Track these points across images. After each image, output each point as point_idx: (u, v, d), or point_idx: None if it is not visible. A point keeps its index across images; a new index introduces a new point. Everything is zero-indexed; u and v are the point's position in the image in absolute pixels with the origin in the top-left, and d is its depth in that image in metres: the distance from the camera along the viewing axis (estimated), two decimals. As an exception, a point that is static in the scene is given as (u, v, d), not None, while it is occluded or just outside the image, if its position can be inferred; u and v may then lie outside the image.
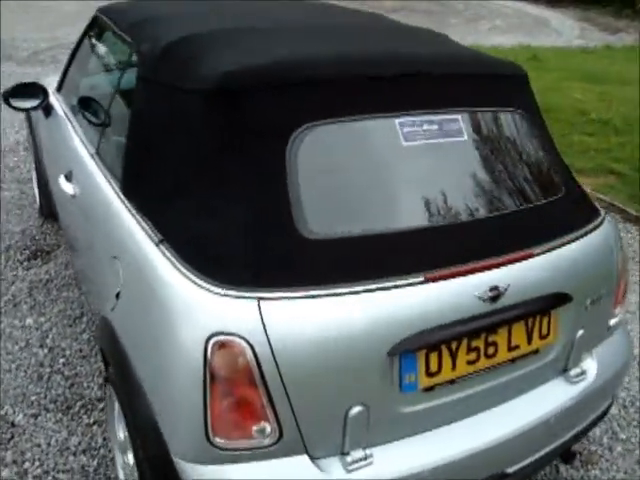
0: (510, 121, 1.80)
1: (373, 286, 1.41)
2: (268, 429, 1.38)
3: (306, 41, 1.82)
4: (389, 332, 1.42)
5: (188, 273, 1.40)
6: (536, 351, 1.69)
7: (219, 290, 1.35)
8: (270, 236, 1.40)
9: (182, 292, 1.39)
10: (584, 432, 1.95)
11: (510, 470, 1.69)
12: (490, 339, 1.59)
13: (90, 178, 2.04)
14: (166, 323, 1.42)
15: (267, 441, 1.39)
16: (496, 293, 1.52)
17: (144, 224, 1.61)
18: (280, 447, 1.41)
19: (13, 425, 2.21)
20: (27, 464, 2.06)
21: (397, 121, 1.58)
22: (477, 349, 1.57)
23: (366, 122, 1.56)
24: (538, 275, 1.64)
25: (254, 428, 1.38)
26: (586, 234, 1.78)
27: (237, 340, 1.32)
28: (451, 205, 1.59)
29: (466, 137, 1.67)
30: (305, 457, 1.44)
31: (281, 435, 1.39)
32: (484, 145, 1.74)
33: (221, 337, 1.33)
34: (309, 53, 1.67)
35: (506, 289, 1.54)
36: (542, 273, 1.65)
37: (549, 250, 1.66)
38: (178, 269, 1.43)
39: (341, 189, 1.51)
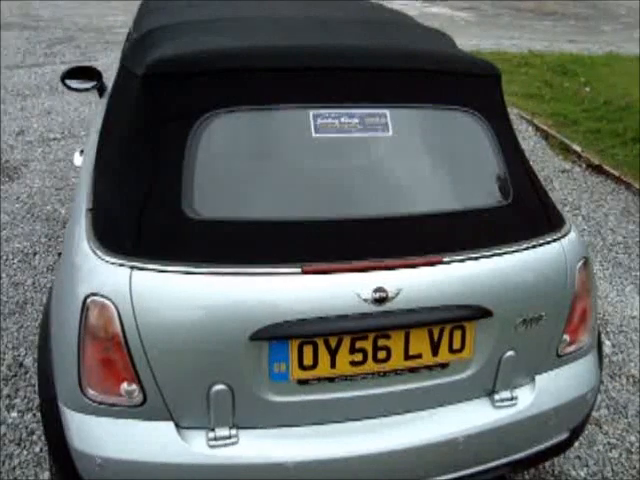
0: (455, 121, 1.69)
1: (243, 270, 1.43)
2: (134, 390, 1.46)
3: (263, 33, 1.85)
4: (253, 317, 1.43)
5: (90, 240, 1.53)
6: (444, 365, 1.59)
7: (104, 257, 1.46)
8: (155, 212, 1.48)
9: (83, 256, 1.52)
10: (523, 463, 1.79)
11: None
12: (380, 343, 1.53)
13: (90, 152, 2.25)
14: (68, 282, 1.57)
15: (133, 401, 1.47)
16: (382, 295, 1.46)
17: (91, 194, 1.77)
18: (146, 410, 1.48)
19: (21, 366, 2.53)
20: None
21: (311, 113, 1.56)
22: (363, 351, 1.52)
23: (277, 112, 1.57)
24: (447, 284, 1.54)
25: (122, 387, 1.47)
26: (527, 248, 1.63)
27: (106, 302, 1.42)
28: (351, 201, 1.55)
29: (391, 133, 1.61)
30: (171, 424, 1.50)
31: (145, 398, 1.47)
32: (412, 143, 1.66)
33: (95, 297, 1.44)
34: (244, 44, 1.70)
35: (397, 293, 1.48)
36: (452, 282, 1.54)
37: (467, 259, 1.55)
38: (87, 236, 1.56)
39: (236, 175, 1.54)
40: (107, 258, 1.45)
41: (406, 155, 1.65)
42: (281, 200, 1.54)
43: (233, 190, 1.53)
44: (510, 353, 1.63)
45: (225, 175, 1.54)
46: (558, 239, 1.69)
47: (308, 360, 1.49)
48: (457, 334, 1.58)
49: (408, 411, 1.61)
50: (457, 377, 1.61)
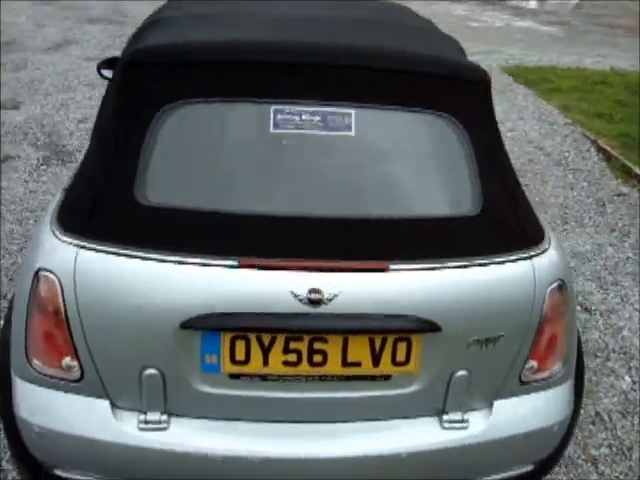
0: (427, 125, 1.63)
1: (181, 258, 1.44)
2: (73, 365, 1.50)
3: (251, 30, 1.84)
4: (184, 305, 1.43)
5: (52, 218, 1.59)
6: (387, 377, 1.53)
7: (58, 235, 1.51)
8: (109, 195, 1.51)
9: (43, 233, 1.59)
10: None
11: None
12: (316, 346, 1.49)
13: None
14: (28, 256, 1.64)
15: (72, 376, 1.51)
16: (317, 297, 1.43)
17: (72, 175, 1.84)
18: (83, 386, 1.52)
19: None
20: None
21: (273, 108, 1.55)
22: (298, 352, 1.49)
23: (239, 105, 1.57)
24: (393, 293, 1.48)
25: (63, 361, 1.51)
26: (489, 264, 1.54)
27: (52, 277, 1.47)
28: (300, 198, 1.53)
29: (354, 133, 1.57)
30: (106, 403, 1.53)
31: (83, 374, 1.51)
32: (376, 144, 1.61)
33: (43, 272, 1.49)
34: (219, 38, 1.71)
35: (334, 296, 1.44)
36: (399, 292, 1.48)
37: (418, 269, 1.49)
38: (51, 213, 1.63)
39: (189, 165, 1.55)
40: (60, 236, 1.51)
41: (367, 156, 1.60)
42: (229, 193, 1.54)
43: (185, 179, 1.55)
44: (462, 373, 1.55)
45: (179, 164, 1.55)
46: (529, 257, 1.59)
47: (240, 355, 1.48)
48: (402, 346, 1.52)
49: (346, 420, 1.56)
50: (401, 391, 1.55)
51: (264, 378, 1.50)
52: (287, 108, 1.55)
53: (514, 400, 1.65)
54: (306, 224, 1.49)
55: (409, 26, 2.14)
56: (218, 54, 1.59)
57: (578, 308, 3.20)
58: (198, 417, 1.54)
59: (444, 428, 1.58)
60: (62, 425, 1.53)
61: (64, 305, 1.46)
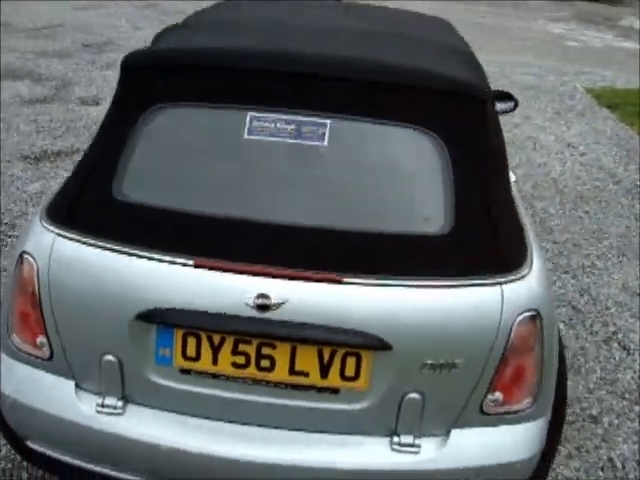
0: (405, 139, 1.59)
1: (141, 252, 1.50)
2: (45, 344, 1.60)
3: (256, 36, 1.88)
4: (140, 297, 1.49)
5: (43, 207, 1.70)
6: (335, 390, 1.52)
7: (43, 222, 1.62)
8: (89, 189, 1.61)
9: (33, 220, 1.70)
10: None
11: None
12: (265, 351, 1.50)
13: None
14: (19, 241, 1.77)
15: (44, 355, 1.61)
16: (264, 302, 1.44)
17: None
18: (53, 365, 1.61)
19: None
20: None
21: (250, 114, 1.58)
22: (246, 355, 1.50)
23: (217, 111, 1.61)
24: (345, 306, 1.47)
25: (37, 339, 1.61)
26: (450, 286, 1.49)
27: (30, 259, 1.58)
28: (262, 204, 1.54)
29: (327, 144, 1.57)
30: (72, 383, 1.61)
31: (52, 354, 1.60)
32: (348, 156, 1.60)
33: (25, 255, 1.60)
34: (215, 45, 1.76)
35: (282, 303, 1.45)
36: (351, 306, 1.47)
37: (372, 285, 1.47)
38: (44, 203, 1.76)
39: (164, 165, 1.62)
40: (44, 223, 1.62)
41: (337, 168, 1.59)
42: (196, 194, 1.58)
43: (157, 179, 1.62)
44: (414, 395, 1.51)
45: (155, 164, 1.62)
46: (498, 284, 1.52)
47: (191, 352, 1.52)
48: (351, 361, 1.50)
49: (291, 429, 1.56)
50: (350, 407, 1.53)
51: (213, 376, 1.53)
52: (263, 115, 1.58)
53: (474, 431, 1.58)
54: (265, 230, 1.51)
55: (432, 42, 2.09)
56: (202, 60, 1.65)
57: (615, 345, 3.01)
58: (152, 407, 1.59)
59: (393, 450, 1.54)
60: (31, 400, 1.63)
61: (38, 287, 1.56)
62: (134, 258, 1.51)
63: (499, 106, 3.08)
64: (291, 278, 1.46)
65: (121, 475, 1.61)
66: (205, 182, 1.59)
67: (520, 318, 1.52)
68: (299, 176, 1.59)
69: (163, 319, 1.49)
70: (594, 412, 2.58)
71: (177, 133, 1.63)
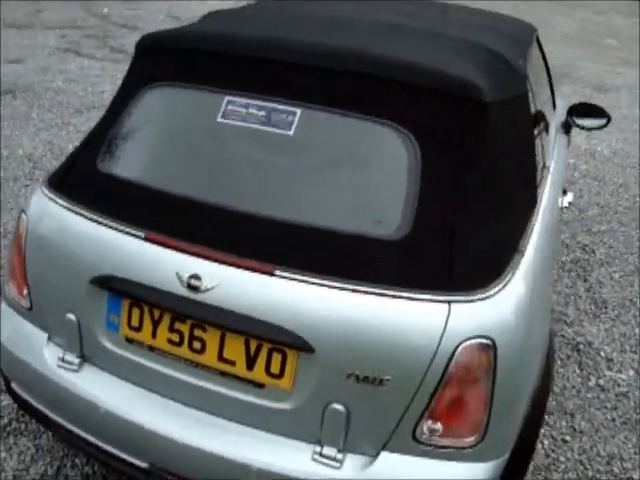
0: (375, 135, 1.50)
1: (101, 219, 1.59)
2: (27, 295, 1.74)
3: (269, 26, 1.88)
4: (95, 264, 1.57)
5: (47, 176, 1.86)
6: (260, 385, 1.47)
7: (42, 189, 1.77)
8: (80, 160, 1.74)
9: (38, 187, 1.87)
10: None
11: None
12: (197, 332, 1.50)
13: None
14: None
15: (26, 305, 1.76)
16: (195, 283, 1.44)
17: None
18: (33, 315, 1.75)
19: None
20: None
21: (227, 98, 1.60)
22: (181, 334, 1.52)
23: (199, 93, 1.65)
24: (273, 299, 1.42)
25: (22, 290, 1.76)
26: (387, 296, 1.37)
27: (24, 217, 1.74)
28: (217, 187, 1.55)
29: (292, 133, 1.52)
30: (45, 335, 1.74)
31: (31, 305, 1.75)
32: (311, 147, 1.53)
33: (22, 213, 1.77)
34: (218, 30, 1.79)
35: (213, 287, 1.44)
36: (279, 300, 1.41)
37: (303, 282, 1.40)
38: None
39: (142, 140, 1.69)
40: (43, 188, 1.77)
41: (297, 158, 1.54)
42: (161, 171, 1.64)
43: (133, 153, 1.70)
44: (338, 407, 1.41)
45: (134, 139, 1.71)
46: (446, 302, 1.37)
47: (135, 322, 1.57)
48: (277, 357, 1.44)
49: (215, 414, 1.54)
50: (274, 405, 1.47)
51: (151, 349, 1.57)
52: (238, 100, 1.59)
53: (406, 458, 1.44)
54: (212, 212, 1.52)
55: (472, 46, 1.92)
56: (191, 43, 1.70)
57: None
58: (103, 369, 1.67)
59: (313, 460, 1.46)
60: (13, 345, 1.78)
61: (25, 242, 1.72)
62: (98, 225, 1.60)
63: (587, 122, 2.78)
64: (223, 263, 1.44)
65: (73, 429, 1.71)
66: (171, 160, 1.64)
67: (466, 344, 1.36)
68: (258, 163, 1.57)
69: (112, 287, 1.56)
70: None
71: (160, 112, 1.71)
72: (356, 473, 1.44)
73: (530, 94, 2.10)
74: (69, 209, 1.65)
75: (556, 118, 2.94)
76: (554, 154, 2.45)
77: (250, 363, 1.47)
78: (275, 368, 1.45)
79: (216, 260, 1.46)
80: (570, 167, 4.75)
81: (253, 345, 1.46)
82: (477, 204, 1.49)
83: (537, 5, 11.19)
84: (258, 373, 1.47)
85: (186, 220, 1.54)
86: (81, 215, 1.63)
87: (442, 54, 1.72)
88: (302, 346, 1.40)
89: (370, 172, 1.51)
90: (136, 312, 1.56)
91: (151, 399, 1.60)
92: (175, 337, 1.53)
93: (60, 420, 1.71)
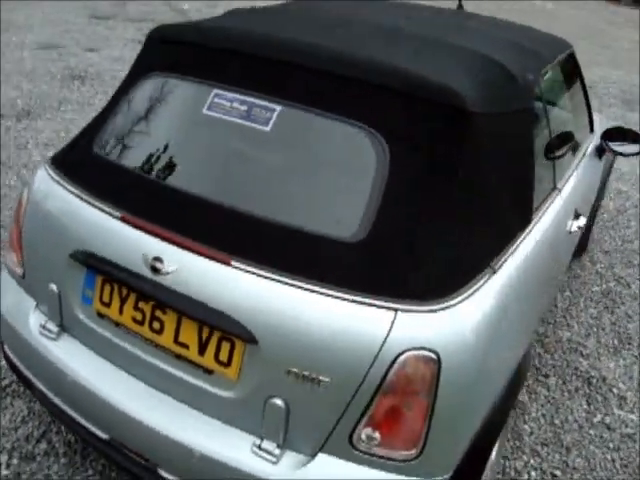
0: (347, 136, 1.50)
1: (87, 198, 1.66)
2: (21, 264, 1.84)
3: (279, 25, 1.90)
4: (76, 238, 1.64)
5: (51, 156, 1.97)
6: (210, 371, 1.49)
7: (46, 167, 1.86)
8: (80, 141, 1.84)
9: (42, 165, 1.98)
10: None
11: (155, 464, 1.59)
12: (157, 313, 1.55)
13: None
14: None
15: (20, 272, 1.86)
16: (157, 265, 1.49)
17: None
18: (25, 283, 1.85)
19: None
20: None
21: (214, 91, 1.64)
22: (143, 313, 1.57)
23: (193, 84, 1.69)
24: (227, 289, 1.44)
25: (18, 258, 1.86)
26: (333, 297, 1.36)
27: (27, 190, 1.85)
28: (190, 175, 1.60)
29: (269, 129, 1.54)
30: (33, 303, 1.83)
31: (24, 273, 1.85)
32: (285, 144, 1.55)
33: (26, 189, 1.87)
34: (223, 25, 1.83)
35: (172, 271, 1.48)
36: (232, 290, 1.44)
37: (255, 275, 1.42)
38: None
39: (133, 127, 1.75)
40: (47, 166, 1.87)
41: (269, 154, 1.56)
42: (144, 156, 1.69)
43: (123, 138, 1.77)
44: (278, 402, 1.42)
45: (127, 125, 1.78)
46: (393, 310, 1.35)
47: (105, 298, 1.63)
48: (225, 346, 1.47)
49: (170, 395, 1.58)
50: (221, 393, 1.49)
51: (117, 325, 1.63)
52: (224, 94, 1.63)
53: (342, 463, 1.42)
54: (184, 199, 1.56)
55: (475, 57, 1.88)
56: (191, 37, 1.75)
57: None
58: (78, 340, 1.74)
59: (252, 452, 1.47)
60: (7, 310, 1.89)
61: (23, 214, 1.82)
62: (83, 203, 1.67)
63: (621, 147, 2.65)
64: (185, 248, 1.48)
65: (48, 393, 1.79)
66: (154, 147, 1.69)
67: (408, 354, 1.33)
68: (232, 156, 1.60)
69: (87, 262, 1.63)
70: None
71: (152, 101, 1.77)
72: (290, 471, 1.44)
73: (540, 111, 2.04)
74: (63, 186, 1.74)
75: (591, 141, 2.83)
76: (573, 177, 2.36)
77: (202, 349, 1.50)
78: (223, 356, 1.48)
79: (179, 245, 1.50)
80: (621, 195, 4.54)
81: (205, 331, 1.49)
82: (445, 215, 1.46)
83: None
84: (208, 359, 1.50)
85: (159, 204, 1.59)
86: (72, 193, 1.71)
87: (433, 61, 1.70)
88: (247, 337, 1.42)
89: (338, 173, 1.51)
90: (107, 288, 1.63)
91: (115, 374, 1.66)
92: (138, 316, 1.58)
93: (38, 384, 1.80)
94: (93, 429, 1.69)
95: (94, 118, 1.88)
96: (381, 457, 1.41)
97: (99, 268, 1.62)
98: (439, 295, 1.39)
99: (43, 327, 1.78)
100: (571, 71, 2.59)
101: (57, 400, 1.75)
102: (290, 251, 1.44)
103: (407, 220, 1.43)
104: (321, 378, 1.37)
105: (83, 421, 1.71)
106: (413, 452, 1.39)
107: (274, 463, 1.45)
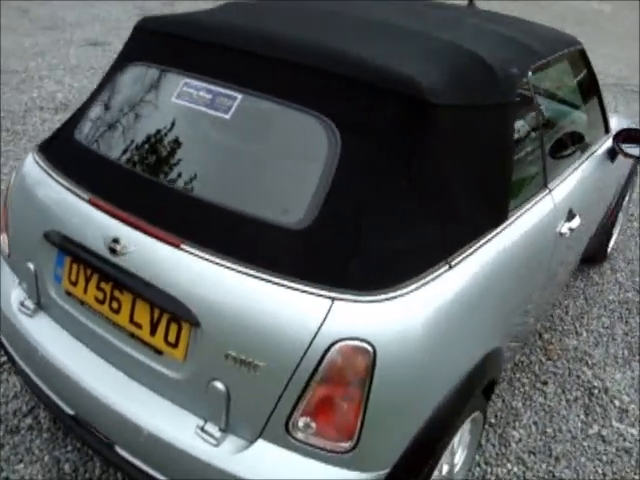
0: (302, 125, 1.49)
1: (61, 180, 1.72)
2: (6, 243, 1.93)
3: (265, 19, 1.92)
4: (49, 218, 1.71)
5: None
6: (159, 352, 1.52)
7: (32, 152, 1.94)
8: (64, 129, 1.90)
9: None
10: None
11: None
12: (115, 293, 1.59)
13: None
14: None
15: (6, 252, 1.94)
16: (114, 247, 1.53)
17: None
18: (10, 261, 1.93)
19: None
20: None
21: (184, 80, 1.67)
22: (104, 292, 1.61)
23: (167, 73, 1.72)
24: (175, 271, 1.46)
25: (4, 237, 1.94)
26: (275, 284, 1.36)
27: (14, 174, 1.94)
28: (150, 159, 1.63)
29: (229, 117, 1.56)
30: (17, 281, 1.91)
31: (10, 252, 1.92)
32: (243, 132, 1.56)
33: (14, 172, 1.96)
34: (196, 18, 1.84)
35: (127, 252, 1.51)
36: (179, 273, 1.46)
37: (202, 259, 1.44)
38: None
39: (107, 114, 1.80)
40: (34, 152, 1.94)
41: (227, 140, 1.58)
42: (116, 142, 1.74)
43: (98, 125, 1.81)
44: (219, 385, 1.43)
45: (104, 111, 1.83)
46: (330, 298, 1.34)
47: (73, 277, 1.68)
48: (173, 327, 1.50)
49: (127, 374, 1.61)
50: (169, 373, 1.52)
51: (82, 304, 1.68)
52: (192, 82, 1.66)
53: (280, 451, 1.42)
54: (145, 183, 1.61)
55: (456, 50, 1.83)
56: (168, 27, 1.79)
57: None
58: (51, 317, 1.80)
59: (195, 434, 1.48)
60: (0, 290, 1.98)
61: (10, 196, 1.90)
62: (59, 186, 1.73)
63: (634, 150, 2.53)
64: (140, 230, 1.51)
65: (26, 370, 1.86)
66: (124, 133, 1.73)
67: (342, 344, 1.32)
68: (192, 143, 1.63)
69: (56, 242, 1.69)
70: None
71: (129, 88, 1.81)
72: (229, 455, 1.45)
73: (529, 107, 1.98)
74: (44, 170, 1.81)
75: (605, 142, 2.72)
76: (572, 177, 2.27)
77: (153, 329, 1.53)
78: (172, 337, 1.50)
79: (135, 227, 1.53)
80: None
81: (156, 312, 1.52)
82: (394, 206, 1.44)
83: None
84: (158, 340, 1.53)
85: (122, 188, 1.63)
86: (50, 176, 1.77)
87: (402, 52, 1.67)
88: (190, 319, 1.44)
89: (291, 161, 1.52)
90: (75, 268, 1.68)
91: (81, 351, 1.71)
92: (100, 295, 1.63)
93: (17, 358, 1.88)
94: (61, 404, 1.75)
95: (81, 105, 1.95)
96: (317, 447, 1.40)
97: (66, 248, 1.67)
98: (382, 286, 1.37)
99: (22, 304, 1.85)
100: (578, 68, 2.49)
101: (33, 376, 1.82)
102: (237, 236, 1.45)
103: (352, 209, 1.41)
104: (257, 363, 1.37)
105: (53, 396, 1.77)
106: (348, 444, 1.38)
107: (215, 446, 1.46)
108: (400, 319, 1.37)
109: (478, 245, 1.63)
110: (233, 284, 1.40)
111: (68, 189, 1.70)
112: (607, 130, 2.79)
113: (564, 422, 2.46)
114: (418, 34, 1.86)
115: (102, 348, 1.66)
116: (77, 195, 1.67)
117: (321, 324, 1.33)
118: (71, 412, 1.72)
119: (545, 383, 2.63)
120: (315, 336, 1.33)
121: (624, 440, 2.40)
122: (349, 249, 1.39)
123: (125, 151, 1.69)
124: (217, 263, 1.43)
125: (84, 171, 1.73)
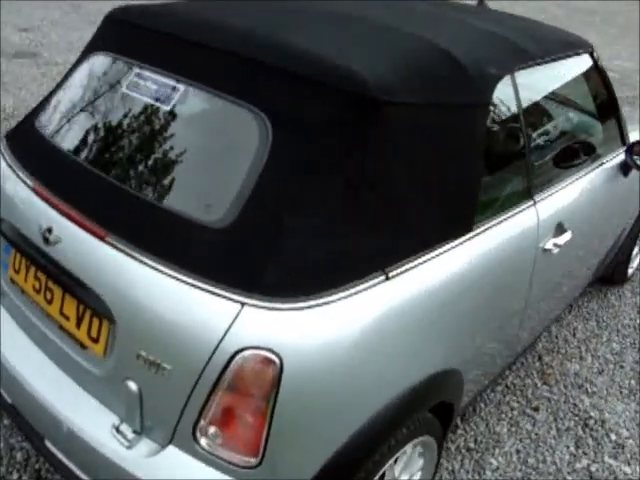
0: (237, 119, 1.42)
1: (17, 171, 1.71)
2: None
3: (214, 9, 1.85)
4: (1, 207, 1.69)
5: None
6: (84, 346, 1.48)
7: (2, 142, 1.96)
8: (28, 118, 1.89)
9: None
10: None
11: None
12: (49, 284, 1.56)
13: None
14: None
15: None
16: (46, 235, 1.50)
17: None
18: None
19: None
20: None
21: (136, 70, 1.63)
22: (40, 281, 1.58)
23: (121, 63, 1.69)
24: (96, 264, 1.42)
25: None
26: (187, 284, 1.29)
27: None
28: (89, 149, 1.61)
29: (169, 108, 1.51)
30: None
31: None
32: (178, 123, 1.51)
33: None
34: (156, 8, 1.80)
35: (57, 241, 1.48)
36: (99, 265, 1.42)
37: (123, 253, 1.39)
38: None
39: (63, 103, 1.78)
40: (2, 142, 1.95)
41: (162, 132, 1.52)
42: (65, 131, 1.71)
43: (53, 113, 1.80)
44: (132, 385, 1.38)
45: (60, 101, 1.81)
46: (239, 303, 1.26)
47: (17, 265, 1.67)
48: (95, 321, 1.46)
49: (57, 365, 1.58)
50: (91, 368, 1.48)
51: (23, 292, 1.66)
52: (143, 73, 1.62)
53: (188, 459, 1.35)
54: (82, 173, 1.58)
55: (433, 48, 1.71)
56: (130, 17, 1.76)
57: None
58: (3, 306, 1.79)
59: (111, 434, 1.43)
60: None
61: None
62: (13, 174, 1.73)
63: None
64: (70, 219, 1.48)
65: None
66: (74, 122, 1.71)
67: (247, 353, 1.24)
68: (131, 134, 1.58)
69: (2, 229, 1.68)
70: None
71: (86, 78, 1.79)
72: (141, 459, 1.39)
73: (511, 111, 1.84)
74: (4, 159, 1.81)
75: (619, 154, 2.52)
76: (567, 190, 2.10)
77: (78, 322, 1.49)
78: (94, 332, 1.46)
79: (67, 216, 1.50)
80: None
81: (82, 305, 1.48)
82: (322, 209, 1.34)
83: None
84: (82, 334, 1.49)
85: (62, 177, 1.61)
86: (9, 165, 1.77)
87: (356, 46, 1.58)
88: (107, 315, 1.39)
89: (222, 156, 1.44)
90: (18, 256, 1.67)
91: (22, 340, 1.69)
92: (37, 284, 1.60)
93: None
94: (4, 394, 1.74)
95: (46, 95, 1.94)
96: (224, 460, 1.32)
97: (8, 237, 1.66)
98: (299, 293, 1.28)
99: None
100: (585, 73, 2.31)
101: None
102: (158, 232, 1.39)
103: (276, 209, 1.33)
104: (164, 365, 1.31)
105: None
106: (253, 460, 1.29)
107: (128, 448, 1.41)
108: (317, 330, 1.28)
109: (427, 257, 1.51)
110: (148, 281, 1.35)
111: (19, 178, 1.69)
112: (624, 142, 2.58)
113: (550, 453, 2.28)
114: (389, 30, 1.76)
115: (39, 338, 1.64)
116: (25, 184, 1.66)
117: (227, 329, 1.25)
118: (10, 401, 1.71)
119: (536, 409, 2.46)
120: (220, 342, 1.25)
121: (615, 479, 2.21)
122: (266, 252, 1.30)
123: (72, 141, 1.67)
124: (135, 258, 1.37)
125: (36, 160, 1.72)
